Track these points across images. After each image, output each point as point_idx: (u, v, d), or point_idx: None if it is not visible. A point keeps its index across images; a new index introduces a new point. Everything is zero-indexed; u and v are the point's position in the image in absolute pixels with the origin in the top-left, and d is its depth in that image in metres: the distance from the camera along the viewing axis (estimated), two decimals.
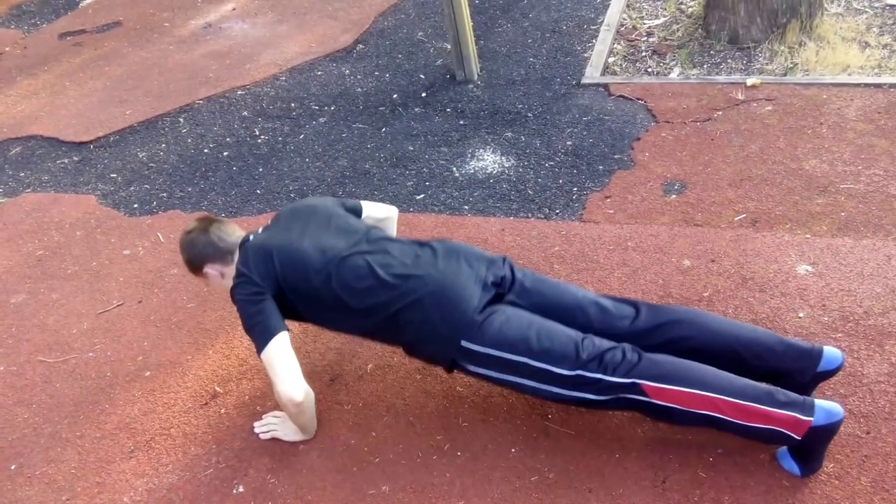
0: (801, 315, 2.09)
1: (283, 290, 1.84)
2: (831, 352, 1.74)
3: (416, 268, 1.80)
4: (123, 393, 2.25)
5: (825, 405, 1.60)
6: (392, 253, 1.84)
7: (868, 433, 1.75)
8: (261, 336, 1.78)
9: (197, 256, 1.97)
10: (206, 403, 2.16)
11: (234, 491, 1.89)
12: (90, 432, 2.14)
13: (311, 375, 2.19)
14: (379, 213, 2.20)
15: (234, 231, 2.00)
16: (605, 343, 1.71)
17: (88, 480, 1.99)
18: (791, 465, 1.69)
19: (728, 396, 1.60)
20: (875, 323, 2.02)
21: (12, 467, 2.07)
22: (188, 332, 2.45)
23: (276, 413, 2.04)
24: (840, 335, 2.00)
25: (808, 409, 1.59)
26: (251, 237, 1.95)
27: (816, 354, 1.72)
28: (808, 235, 2.37)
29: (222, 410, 2.13)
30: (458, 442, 1.91)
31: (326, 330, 2.02)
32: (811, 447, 1.64)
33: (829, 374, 1.75)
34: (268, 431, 2.01)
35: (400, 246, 1.88)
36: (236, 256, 1.94)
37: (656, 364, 1.66)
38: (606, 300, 1.85)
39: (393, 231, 2.25)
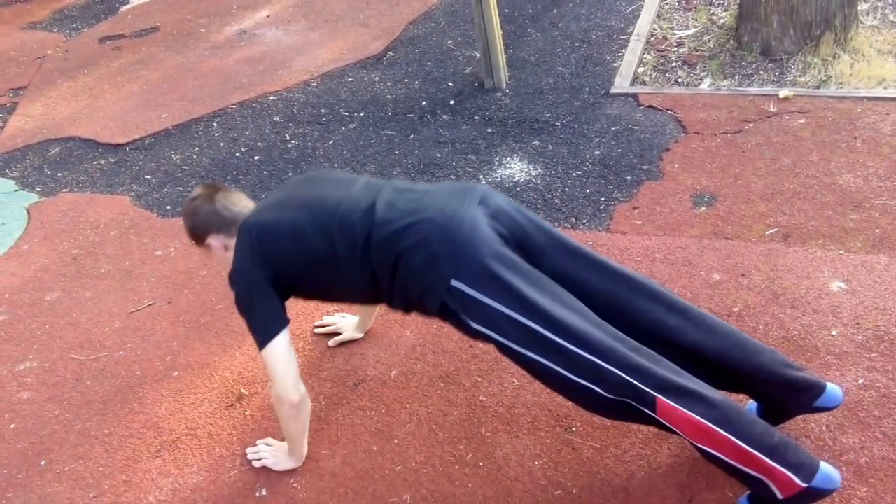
0: (833, 333, 2.04)
1: (278, 268, 1.75)
2: (833, 390, 1.67)
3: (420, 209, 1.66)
4: (152, 392, 2.29)
5: (827, 470, 1.50)
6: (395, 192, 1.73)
7: None
8: (262, 332, 1.74)
9: (201, 226, 1.85)
10: (232, 405, 2.19)
11: (258, 494, 1.90)
12: (118, 430, 2.17)
13: (334, 379, 2.20)
14: None
15: (240, 200, 1.88)
16: (629, 340, 1.56)
17: (115, 478, 2.03)
18: None
19: (737, 439, 1.49)
20: None
21: (42, 463, 2.12)
22: (216, 333, 2.48)
23: (269, 441, 2.01)
24: (874, 355, 1.95)
25: (809, 475, 1.48)
26: (251, 214, 1.83)
27: (819, 390, 1.65)
28: (841, 251, 2.32)
29: (247, 412, 2.15)
30: (480, 452, 1.91)
31: (323, 301, 1.90)
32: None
33: (821, 410, 1.68)
34: (259, 459, 1.96)
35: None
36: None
37: (681, 376, 1.54)
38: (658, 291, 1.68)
39: None
